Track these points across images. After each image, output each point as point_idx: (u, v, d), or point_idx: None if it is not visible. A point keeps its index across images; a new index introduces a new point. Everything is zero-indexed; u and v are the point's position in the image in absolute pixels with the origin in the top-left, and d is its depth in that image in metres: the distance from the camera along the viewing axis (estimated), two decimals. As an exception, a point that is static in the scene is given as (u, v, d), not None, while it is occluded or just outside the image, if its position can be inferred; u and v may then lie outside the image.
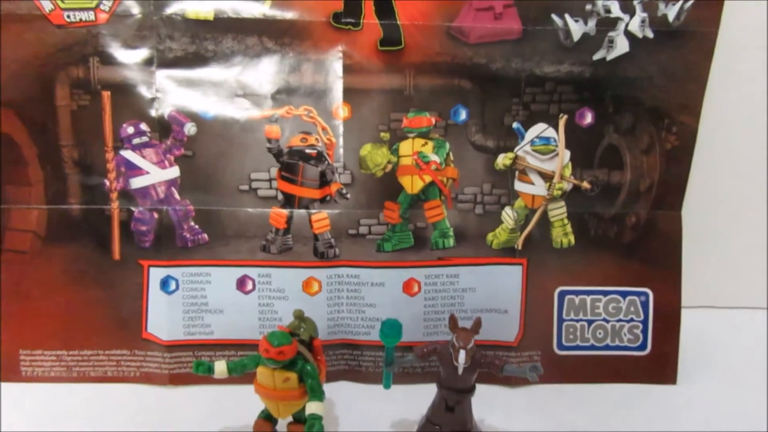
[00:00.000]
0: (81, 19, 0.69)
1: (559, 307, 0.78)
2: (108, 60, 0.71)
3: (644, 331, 0.78)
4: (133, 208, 0.74)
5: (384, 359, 0.63)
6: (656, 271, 0.77)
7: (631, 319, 0.78)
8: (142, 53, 0.70)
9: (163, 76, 0.71)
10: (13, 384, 0.74)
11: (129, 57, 0.71)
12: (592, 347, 0.78)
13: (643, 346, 0.78)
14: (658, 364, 0.77)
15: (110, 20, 0.69)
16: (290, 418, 0.62)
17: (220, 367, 0.60)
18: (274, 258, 0.75)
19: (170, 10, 0.70)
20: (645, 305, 0.78)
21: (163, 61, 0.71)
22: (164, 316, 0.75)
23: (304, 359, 0.59)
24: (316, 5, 0.70)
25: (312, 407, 0.58)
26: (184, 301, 0.75)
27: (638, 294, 0.77)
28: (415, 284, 0.76)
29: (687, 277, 0.80)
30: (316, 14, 0.70)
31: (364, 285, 0.75)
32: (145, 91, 0.72)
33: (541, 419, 0.71)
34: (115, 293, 0.75)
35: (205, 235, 0.74)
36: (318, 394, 0.59)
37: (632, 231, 0.77)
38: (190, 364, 0.73)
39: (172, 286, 0.75)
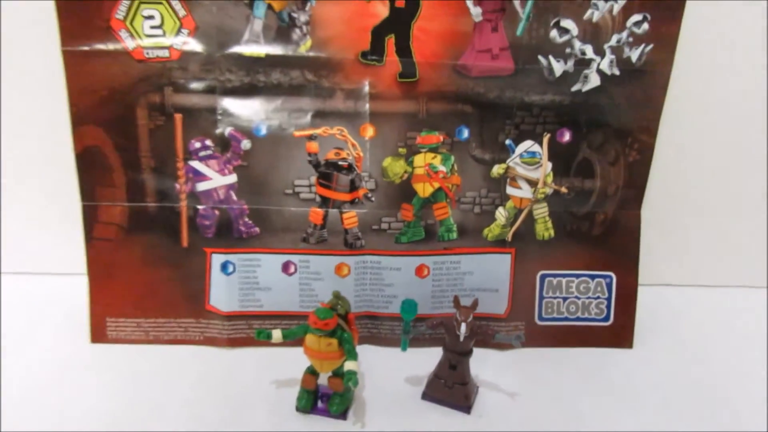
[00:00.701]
0: (158, 56, 0.77)
1: (540, 286, 0.86)
2: (179, 88, 0.79)
3: (608, 306, 0.87)
4: (198, 207, 0.82)
5: (402, 328, 0.74)
6: (618, 259, 0.86)
7: (598, 297, 0.87)
8: (207, 83, 0.79)
9: (223, 102, 0.80)
10: (101, 345, 0.83)
11: (196, 86, 0.79)
12: (566, 319, 0.87)
13: (606, 318, 0.87)
14: (618, 332, 0.87)
15: (181, 57, 0.77)
16: (330, 373, 0.71)
17: (277, 335, 0.72)
18: (312, 247, 0.84)
19: (230, 49, 0.77)
20: (609, 286, 0.86)
21: (223, 89, 0.79)
22: (223, 292, 0.83)
23: (342, 329, 0.69)
24: (347, 46, 0.78)
25: (349, 365, 0.68)
26: (240, 280, 0.83)
27: (604, 277, 0.86)
28: (425, 269, 0.85)
29: (647, 260, 0.87)
30: (348, 53, 0.78)
31: (384, 269, 0.84)
32: (209, 114, 0.80)
33: (525, 376, 0.80)
34: (183, 273, 0.83)
35: (257, 229, 0.83)
36: (353, 355, 0.69)
37: (601, 226, 0.86)
38: (245, 330, 0.84)
39: (230, 268, 0.84)
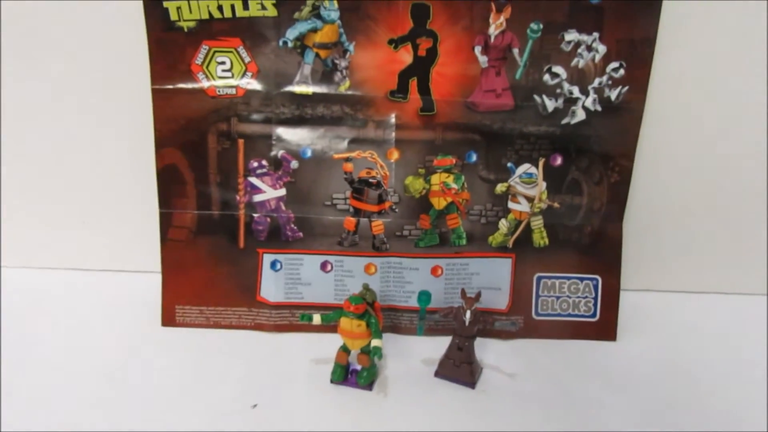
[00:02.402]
0: (227, 93, 0.87)
1: (536, 286, 0.92)
2: (243, 119, 0.88)
3: (594, 305, 0.93)
4: (254, 215, 0.90)
5: (419, 315, 0.84)
6: (603, 264, 0.92)
7: (586, 296, 0.93)
8: (265, 115, 0.88)
9: (277, 130, 0.88)
10: (170, 328, 0.92)
11: (256, 117, 0.88)
12: (559, 315, 0.93)
13: (593, 315, 0.93)
14: (603, 327, 0.92)
15: (245, 94, 0.87)
16: (359, 350, 0.79)
17: (317, 318, 0.81)
18: (346, 249, 0.91)
19: (284, 88, 0.87)
20: (596, 287, 0.93)
21: (278, 120, 0.88)
22: (271, 286, 0.91)
23: (369, 314, 0.78)
24: (379, 86, 0.87)
25: (375, 342, 0.77)
26: (285, 276, 0.91)
27: (591, 279, 0.93)
28: (440, 269, 0.91)
29: (629, 267, 0.94)
30: (378, 91, 0.87)
31: (405, 269, 0.91)
32: (265, 139, 0.89)
33: (522, 361, 0.86)
34: (239, 270, 0.91)
35: (301, 233, 0.91)
36: (378, 335, 0.77)
37: (588, 236, 0.92)
38: (288, 318, 0.92)
39: (278, 266, 0.91)
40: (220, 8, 0.84)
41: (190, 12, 0.84)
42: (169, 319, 0.93)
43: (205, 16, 0.85)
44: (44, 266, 1.06)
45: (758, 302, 1.03)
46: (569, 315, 0.93)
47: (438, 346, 0.85)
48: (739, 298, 1.04)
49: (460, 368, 0.81)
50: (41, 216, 1.04)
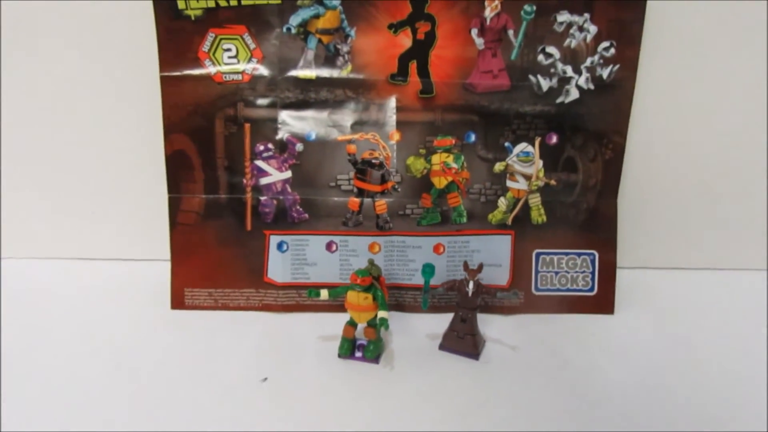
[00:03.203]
0: (233, 79, 0.89)
1: (535, 262, 0.94)
2: (249, 104, 0.90)
3: (592, 279, 0.95)
4: (260, 197, 0.92)
5: (423, 288, 0.86)
6: (600, 239, 0.94)
7: (584, 271, 0.95)
8: (270, 99, 0.90)
9: (282, 114, 0.90)
10: (179, 311, 0.94)
11: (262, 102, 0.90)
12: (558, 290, 0.95)
13: (591, 289, 0.95)
14: (601, 300, 0.94)
15: (251, 80, 0.89)
16: (365, 324, 0.81)
17: (324, 293, 0.82)
18: (350, 229, 0.93)
19: (288, 73, 0.89)
20: (593, 262, 0.95)
21: (283, 104, 0.90)
22: (278, 267, 0.93)
23: (375, 287, 0.80)
24: (379, 70, 0.89)
25: (381, 314, 0.78)
26: (292, 257, 0.93)
27: (588, 254, 0.95)
28: (441, 247, 0.93)
29: (626, 243, 0.97)
30: (379, 75, 0.89)
31: (408, 247, 0.93)
32: (271, 123, 0.91)
33: (524, 334, 0.89)
34: (247, 251, 0.93)
35: (306, 215, 0.93)
36: (384, 307, 0.79)
37: (584, 213, 0.94)
38: (295, 298, 0.94)
39: (284, 247, 0.93)
40: (225, -4, 0.86)
41: (197, 1, 0.87)
42: (178, 302, 0.95)
43: (212, 4, 0.87)
44: (53, 256, 1.08)
45: (753, 277, 1.05)
46: (568, 290, 0.96)
47: (442, 322, 0.87)
48: (735, 273, 1.06)
49: (464, 340, 0.83)
50: (48, 206, 1.06)
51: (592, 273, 0.96)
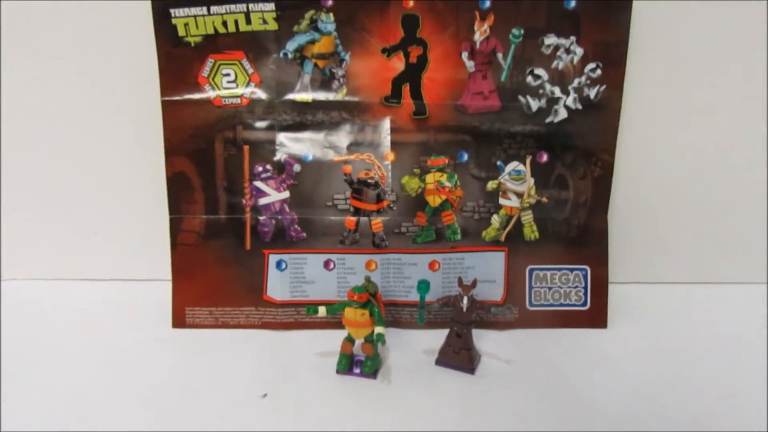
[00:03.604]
0: (232, 103, 0.91)
1: (529, 278, 0.96)
2: (248, 126, 0.92)
3: (585, 294, 0.96)
4: (259, 217, 0.94)
5: (419, 304, 0.88)
6: (591, 255, 0.96)
7: (576, 286, 0.96)
8: (268, 122, 0.92)
9: (280, 136, 0.92)
10: (180, 329, 0.95)
11: (260, 125, 0.92)
12: (551, 305, 0.96)
13: (584, 304, 0.96)
14: (594, 315, 0.96)
15: (249, 103, 0.91)
16: (363, 340, 0.82)
17: (322, 310, 0.83)
18: (347, 248, 0.94)
19: (286, 97, 0.91)
20: (585, 277, 0.96)
21: (280, 126, 0.92)
22: (277, 285, 0.94)
23: (372, 303, 0.81)
24: (374, 92, 0.91)
25: (378, 329, 0.80)
26: (290, 275, 0.94)
27: (580, 270, 0.96)
28: (437, 264, 0.95)
29: (617, 258, 1.00)
30: (373, 97, 0.92)
31: (404, 265, 0.94)
32: (269, 145, 0.92)
33: (519, 349, 0.89)
34: (246, 270, 0.94)
35: (304, 234, 0.94)
36: (381, 323, 0.81)
37: (576, 229, 0.96)
38: (294, 316, 0.95)
39: (283, 266, 0.94)
40: (224, 24, 0.90)
41: (197, 28, 0.90)
42: (179, 321, 0.96)
43: (211, 31, 0.91)
44: (54, 277, 1.10)
45: (743, 290, 1.07)
46: (561, 305, 0.97)
47: (437, 338, 0.88)
48: (725, 286, 1.08)
49: (459, 355, 0.85)
50: (50, 227, 1.08)
51: (585, 288, 0.97)
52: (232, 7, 0.90)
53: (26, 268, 1.11)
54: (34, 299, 1.06)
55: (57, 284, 1.09)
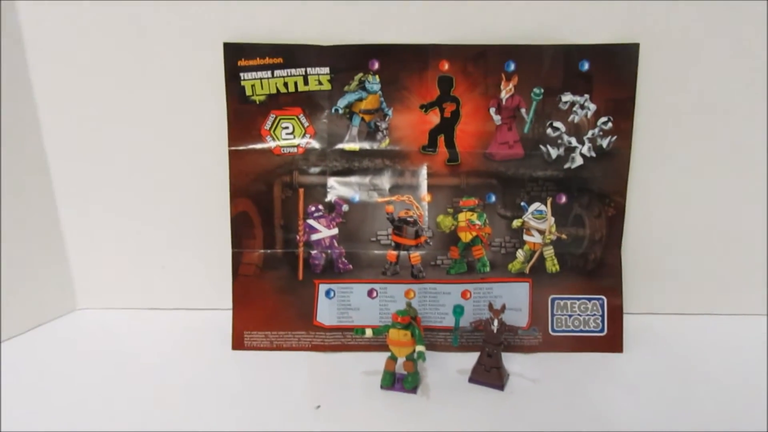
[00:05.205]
0: (289, 151, 1.01)
1: (551, 306, 1.02)
2: (303, 172, 1.01)
3: (602, 321, 1.01)
4: (311, 251, 1.02)
5: (454, 326, 0.95)
6: (607, 286, 1.02)
7: (594, 314, 1.02)
8: (321, 168, 1.01)
9: (331, 180, 1.01)
10: (239, 351, 1.02)
11: (314, 170, 1.01)
12: (572, 331, 1.02)
13: (602, 330, 1.02)
14: (610, 340, 1.01)
15: (305, 152, 1.01)
16: (404, 358, 0.88)
17: (369, 332, 0.91)
18: (389, 278, 1.01)
19: (336, 146, 1.01)
20: (602, 306, 1.02)
21: (331, 171, 1.01)
22: (326, 312, 1.01)
23: (413, 325, 0.88)
24: (413, 142, 1.00)
25: (419, 348, 0.86)
26: (338, 302, 1.02)
27: (597, 299, 1.02)
28: (468, 293, 1.01)
29: (631, 290, 1.06)
30: (412, 147, 1.01)
31: (439, 293, 1.01)
32: (321, 188, 1.01)
33: (543, 369, 0.95)
34: (298, 298, 1.02)
35: (351, 266, 1.02)
36: (421, 341, 0.87)
37: (592, 263, 1.02)
38: (341, 339, 1.02)
39: (332, 294, 1.02)
40: (285, 85, 1.03)
41: (262, 88, 1.03)
42: (238, 343, 1.03)
43: (273, 91, 1.03)
44: (125, 307, 1.21)
45: (751, 321, 1.15)
46: (581, 331, 1.03)
47: (470, 360, 0.94)
48: (733, 318, 1.15)
49: (490, 373, 0.91)
50: (123, 260, 1.19)
51: (602, 316, 1.03)
52: (293, 71, 1.03)
53: (99, 298, 1.22)
54: (106, 327, 1.15)
55: (127, 313, 1.20)
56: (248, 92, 1.03)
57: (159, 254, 1.18)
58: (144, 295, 1.20)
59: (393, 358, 0.91)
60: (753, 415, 0.86)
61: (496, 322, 0.93)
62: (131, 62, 1.07)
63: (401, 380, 0.91)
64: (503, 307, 0.94)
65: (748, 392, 0.92)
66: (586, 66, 1.01)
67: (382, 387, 0.91)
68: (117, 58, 1.07)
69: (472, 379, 0.93)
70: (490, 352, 0.92)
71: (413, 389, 0.90)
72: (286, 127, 1.02)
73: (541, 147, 1.01)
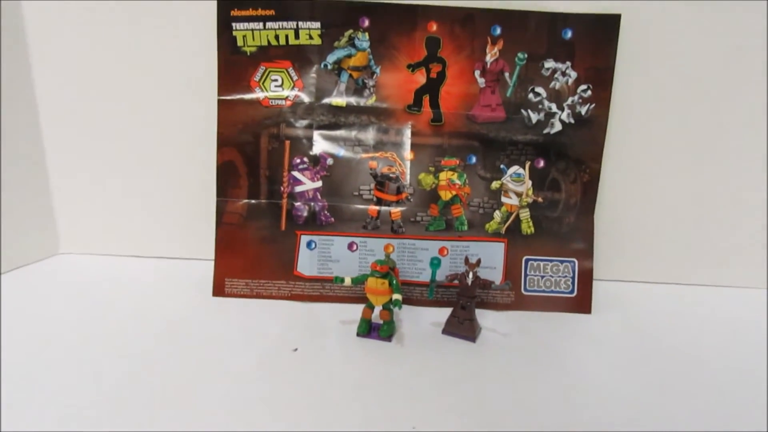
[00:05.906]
0: (277, 104, 1.05)
1: (525, 267, 1.07)
2: (289, 124, 1.04)
3: (572, 283, 1.07)
4: (294, 203, 1.05)
5: (430, 278, 0.99)
6: (579, 249, 1.07)
7: (565, 276, 1.07)
8: (307, 121, 1.04)
9: (317, 134, 1.05)
10: (219, 298, 1.06)
11: (300, 123, 1.05)
12: (543, 291, 1.07)
13: (572, 291, 1.07)
14: (580, 301, 1.06)
15: (292, 105, 1.04)
16: (381, 307, 0.92)
17: (348, 280, 0.94)
18: (369, 232, 1.05)
19: (323, 101, 1.04)
20: (573, 268, 1.07)
21: (317, 125, 1.05)
22: (307, 262, 1.05)
23: (391, 275, 0.92)
24: (398, 101, 1.04)
25: (396, 296, 0.90)
26: (318, 254, 1.05)
27: (569, 262, 1.07)
28: (445, 250, 1.05)
29: (601, 257, 1.11)
30: (398, 105, 1.04)
31: (418, 249, 1.05)
32: (307, 141, 1.05)
33: (514, 326, 1.00)
34: (280, 248, 1.05)
35: (333, 219, 1.05)
36: (398, 290, 0.91)
37: (566, 226, 1.07)
38: (320, 290, 1.06)
39: (313, 245, 1.05)
40: (276, 37, 1.06)
41: (253, 40, 1.05)
42: (219, 290, 1.07)
43: (264, 43, 1.06)
44: (107, 253, 1.23)
45: (717, 292, 1.20)
46: (552, 291, 1.08)
47: (444, 314, 0.99)
48: (696, 288, 1.21)
49: (463, 324, 0.95)
50: (108, 207, 1.21)
51: (573, 278, 1.08)
52: (284, 23, 1.05)
53: (82, 243, 1.23)
54: (87, 271, 1.17)
55: (109, 259, 1.22)
56: (239, 42, 1.05)
57: (143, 202, 1.20)
58: (127, 243, 1.22)
59: (370, 307, 0.95)
60: (702, 374, 0.90)
61: (471, 275, 0.96)
62: (124, 8, 1.09)
63: (377, 329, 0.94)
64: (479, 261, 0.97)
65: (703, 355, 0.96)
66: (569, 34, 1.04)
67: (358, 334, 0.94)
68: (110, 6, 1.09)
69: (445, 331, 0.96)
70: (464, 304, 0.96)
71: (388, 338, 0.93)
72: (276, 80, 1.05)
73: (523, 111, 1.05)
